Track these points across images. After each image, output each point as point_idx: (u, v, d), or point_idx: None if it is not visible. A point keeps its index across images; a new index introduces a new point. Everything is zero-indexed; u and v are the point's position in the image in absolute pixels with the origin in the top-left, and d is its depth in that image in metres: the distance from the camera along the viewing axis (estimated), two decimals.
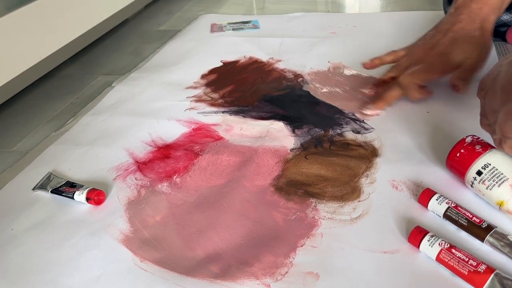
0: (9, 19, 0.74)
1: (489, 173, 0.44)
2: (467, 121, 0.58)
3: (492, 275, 0.38)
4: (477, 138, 0.47)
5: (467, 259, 0.39)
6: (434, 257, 0.41)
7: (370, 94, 0.66)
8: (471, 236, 0.43)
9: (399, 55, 0.67)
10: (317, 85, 0.72)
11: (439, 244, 0.41)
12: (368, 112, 0.63)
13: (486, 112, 0.44)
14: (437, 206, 0.45)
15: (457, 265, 0.39)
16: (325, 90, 0.70)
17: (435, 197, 0.46)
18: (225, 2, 1.19)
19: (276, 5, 1.13)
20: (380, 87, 0.67)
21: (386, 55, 0.68)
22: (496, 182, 0.44)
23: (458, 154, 0.47)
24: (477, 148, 0.46)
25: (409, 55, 0.65)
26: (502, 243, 0.41)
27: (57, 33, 0.85)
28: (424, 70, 0.61)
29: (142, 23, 1.12)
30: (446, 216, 0.44)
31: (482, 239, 0.42)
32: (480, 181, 0.45)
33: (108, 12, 0.99)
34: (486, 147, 0.46)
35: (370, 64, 0.68)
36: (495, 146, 0.45)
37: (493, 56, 0.73)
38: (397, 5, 1.02)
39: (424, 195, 0.46)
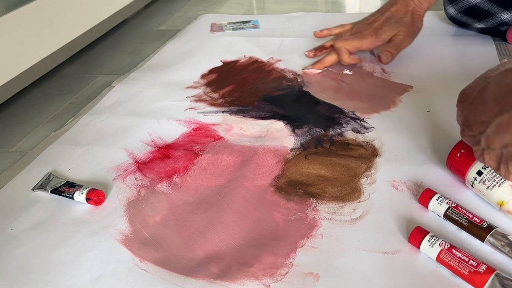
0: (9, 19, 0.73)
1: (490, 173, 0.44)
2: None
3: (493, 275, 0.38)
4: None
5: (467, 259, 0.39)
6: (434, 258, 0.41)
7: (310, 56, 0.79)
8: (471, 236, 0.43)
9: (346, 28, 0.78)
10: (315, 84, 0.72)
11: (439, 244, 0.40)
12: (307, 70, 0.76)
13: (471, 123, 0.43)
14: (437, 206, 0.45)
15: (458, 265, 0.39)
16: (322, 91, 0.70)
17: (436, 197, 0.45)
18: (225, 2, 1.19)
19: (276, 5, 1.12)
20: (319, 51, 0.79)
21: (334, 28, 0.79)
22: (497, 182, 0.44)
23: (458, 154, 0.47)
24: None
25: (352, 29, 0.76)
26: (502, 243, 0.41)
27: (57, 33, 0.84)
28: (356, 38, 0.72)
29: (142, 23, 1.11)
30: (446, 216, 0.44)
31: (482, 239, 0.42)
32: (480, 181, 0.45)
33: (108, 12, 0.99)
34: None
35: (320, 34, 0.80)
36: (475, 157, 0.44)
37: (494, 56, 0.73)
38: None
39: (425, 195, 0.46)
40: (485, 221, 0.43)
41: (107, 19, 0.98)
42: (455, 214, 0.44)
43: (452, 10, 0.81)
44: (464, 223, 0.43)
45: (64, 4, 0.85)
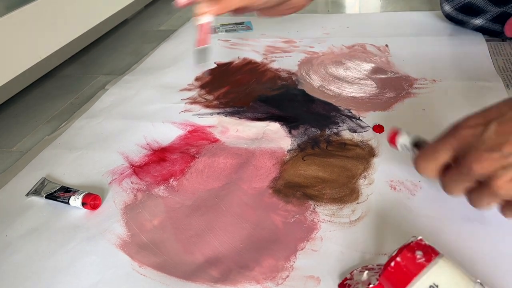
0: (9, 19, 0.69)
1: None
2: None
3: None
4: (419, 240, 0.31)
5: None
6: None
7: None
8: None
9: None
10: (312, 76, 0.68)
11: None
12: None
13: (502, 141, 0.34)
14: (405, 140, 0.42)
15: None
16: (318, 83, 0.66)
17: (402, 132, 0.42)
18: None
19: None
20: None
21: None
22: None
23: (392, 264, 0.30)
24: (418, 256, 0.30)
25: None
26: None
27: (57, 33, 0.79)
28: None
29: (142, 23, 1.05)
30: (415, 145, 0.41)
31: None
32: None
33: (108, 12, 0.94)
34: (430, 254, 0.30)
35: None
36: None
37: (486, 56, 0.69)
38: (397, 5, 0.97)
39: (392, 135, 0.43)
40: None
41: (107, 19, 0.93)
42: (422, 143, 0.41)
43: (448, 7, 0.77)
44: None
45: (64, 4, 0.80)
